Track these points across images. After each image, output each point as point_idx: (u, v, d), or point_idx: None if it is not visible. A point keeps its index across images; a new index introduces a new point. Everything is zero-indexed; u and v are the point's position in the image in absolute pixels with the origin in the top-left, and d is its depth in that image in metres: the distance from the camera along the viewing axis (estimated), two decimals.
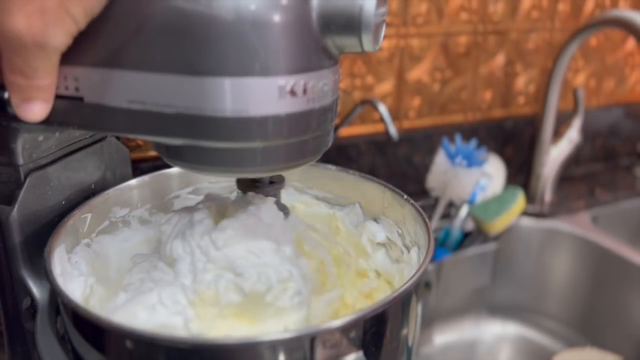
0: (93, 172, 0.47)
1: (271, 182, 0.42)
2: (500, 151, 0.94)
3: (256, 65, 0.30)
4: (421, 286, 0.40)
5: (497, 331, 0.91)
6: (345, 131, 0.80)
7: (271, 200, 0.41)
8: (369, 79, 0.82)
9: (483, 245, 0.85)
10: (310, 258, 0.41)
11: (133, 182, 0.48)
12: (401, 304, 0.36)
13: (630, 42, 1.05)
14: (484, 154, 0.82)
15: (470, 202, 0.81)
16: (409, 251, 0.45)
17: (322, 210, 0.51)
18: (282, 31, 0.30)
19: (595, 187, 1.03)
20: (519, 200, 0.84)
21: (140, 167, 0.61)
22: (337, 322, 0.32)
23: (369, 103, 0.75)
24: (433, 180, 0.82)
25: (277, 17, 0.30)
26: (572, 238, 0.88)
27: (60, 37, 0.31)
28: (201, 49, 0.30)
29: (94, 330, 0.34)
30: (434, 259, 0.79)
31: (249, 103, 0.31)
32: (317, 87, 0.33)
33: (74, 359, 0.37)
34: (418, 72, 0.86)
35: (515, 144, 0.99)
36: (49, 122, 0.37)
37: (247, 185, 0.41)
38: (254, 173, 0.35)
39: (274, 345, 0.31)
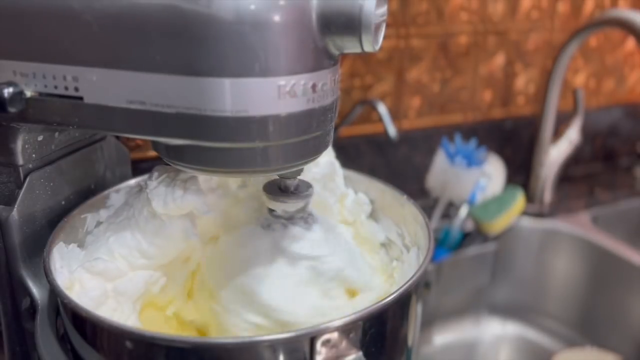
0: (93, 172, 0.47)
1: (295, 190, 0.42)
2: (499, 151, 0.94)
3: (256, 65, 0.30)
4: (421, 286, 0.40)
5: (496, 331, 0.91)
6: (345, 131, 0.80)
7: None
8: (369, 79, 0.82)
9: (483, 245, 0.85)
10: None
11: (132, 182, 0.48)
12: (401, 304, 0.36)
13: (630, 42, 1.05)
14: (484, 154, 0.82)
15: (470, 202, 0.81)
16: (408, 251, 0.45)
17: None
18: (281, 31, 0.30)
19: (595, 187, 1.03)
20: (519, 200, 0.84)
21: (140, 167, 0.61)
22: (337, 322, 0.32)
23: (368, 103, 0.75)
24: (433, 180, 0.82)
25: (277, 17, 0.30)
26: (572, 238, 0.88)
27: None
28: (201, 49, 0.30)
29: (94, 330, 0.34)
30: (433, 259, 0.79)
31: (248, 103, 0.31)
32: (317, 87, 0.33)
33: (74, 359, 0.37)
34: (418, 72, 0.86)
35: (515, 144, 0.99)
36: (49, 122, 0.37)
37: (275, 192, 0.41)
38: (254, 173, 0.35)
39: (273, 345, 0.31)
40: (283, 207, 0.41)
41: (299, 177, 0.41)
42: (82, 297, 0.37)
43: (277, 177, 0.41)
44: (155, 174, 0.40)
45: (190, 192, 0.39)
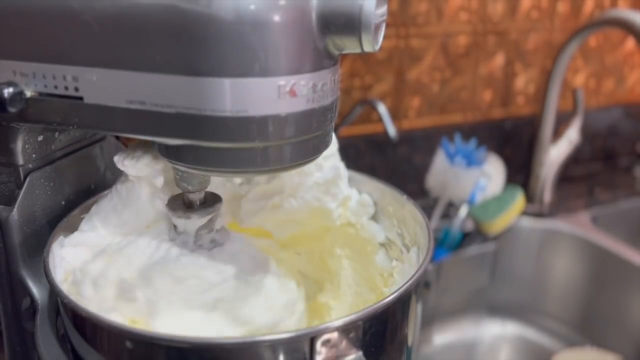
0: (93, 172, 0.47)
1: (203, 203, 0.40)
2: (499, 151, 0.95)
3: (256, 65, 0.30)
4: (421, 286, 0.40)
5: (496, 331, 0.91)
6: (345, 131, 0.80)
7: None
8: (369, 79, 0.83)
9: (482, 245, 0.85)
10: None
11: None
12: (401, 304, 0.36)
13: (630, 42, 1.05)
14: (484, 154, 0.82)
15: (470, 202, 0.82)
16: (408, 251, 0.45)
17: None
18: (281, 31, 0.30)
19: (595, 187, 1.03)
20: (519, 200, 0.84)
21: None
22: (337, 322, 0.32)
23: (368, 103, 0.75)
24: (432, 180, 0.83)
25: (276, 17, 0.30)
26: (572, 238, 0.88)
27: None
28: (201, 49, 0.30)
29: (94, 330, 0.34)
30: (433, 259, 0.79)
31: (248, 103, 0.31)
32: (317, 87, 0.33)
33: (74, 359, 0.37)
34: (418, 72, 0.86)
35: (515, 144, 0.99)
36: (49, 122, 0.37)
37: (177, 207, 0.39)
38: (253, 173, 0.35)
39: (273, 345, 0.31)
40: (184, 223, 0.39)
41: (207, 191, 0.39)
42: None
43: (182, 192, 0.39)
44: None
45: (147, 156, 0.39)
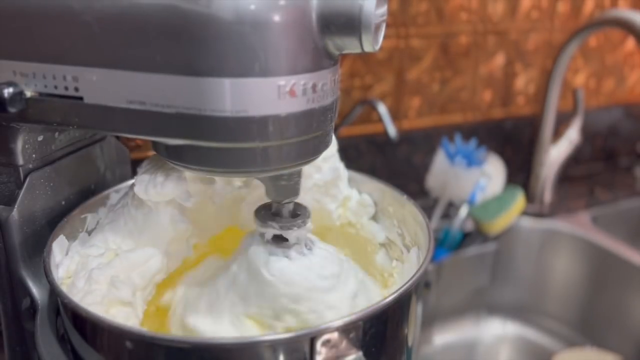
0: (93, 172, 0.47)
1: (293, 216, 0.38)
2: (499, 151, 0.94)
3: (256, 65, 0.30)
4: (421, 286, 0.40)
5: (496, 331, 0.91)
6: (345, 131, 0.80)
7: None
8: (369, 79, 0.82)
9: (483, 246, 0.85)
10: None
11: (133, 182, 0.48)
12: (401, 304, 0.36)
13: (630, 42, 1.05)
14: (484, 154, 0.82)
15: (470, 202, 0.81)
16: (408, 251, 0.45)
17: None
18: (281, 31, 0.30)
19: (595, 187, 1.03)
20: (519, 200, 0.84)
21: None
22: (337, 322, 0.32)
23: (368, 103, 0.75)
24: (433, 180, 0.83)
25: (276, 18, 0.30)
26: (572, 238, 0.88)
27: None
28: (201, 49, 0.30)
29: (94, 330, 0.34)
30: (433, 259, 0.79)
31: (248, 103, 0.31)
32: (317, 87, 0.33)
33: (74, 359, 0.37)
34: (418, 72, 0.86)
35: (515, 144, 0.99)
36: (49, 122, 0.37)
37: (266, 218, 0.38)
38: (253, 173, 0.35)
39: (273, 345, 0.31)
40: (273, 233, 0.38)
41: (296, 202, 0.38)
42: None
43: (271, 201, 0.38)
44: (146, 161, 0.41)
45: (171, 179, 0.39)
